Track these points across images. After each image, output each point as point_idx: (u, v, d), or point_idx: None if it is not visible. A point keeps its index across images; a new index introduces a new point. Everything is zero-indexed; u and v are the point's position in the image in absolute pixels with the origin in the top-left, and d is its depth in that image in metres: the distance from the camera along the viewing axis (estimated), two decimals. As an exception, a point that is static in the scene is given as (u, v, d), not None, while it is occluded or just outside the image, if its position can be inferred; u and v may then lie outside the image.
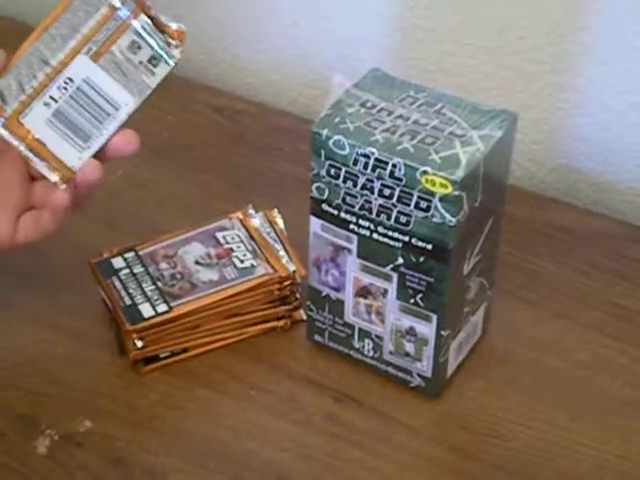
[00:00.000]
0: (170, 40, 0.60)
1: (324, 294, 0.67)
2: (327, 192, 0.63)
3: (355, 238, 0.64)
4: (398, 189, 0.60)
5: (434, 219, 0.60)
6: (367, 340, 0.67)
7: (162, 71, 0.60)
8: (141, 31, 0.59)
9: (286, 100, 0.92)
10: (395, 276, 0.63)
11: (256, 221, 0.72)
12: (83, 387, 0.67)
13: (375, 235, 0.63)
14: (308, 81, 0.90)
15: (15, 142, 0.59)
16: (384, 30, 0.87)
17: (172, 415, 0.65)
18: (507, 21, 0.82)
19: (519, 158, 0.63)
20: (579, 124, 0.83)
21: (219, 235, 0.71)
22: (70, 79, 0.59)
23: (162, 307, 0.67)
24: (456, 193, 0.59)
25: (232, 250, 0.70)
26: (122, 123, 0.59)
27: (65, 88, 0.59)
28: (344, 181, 0.62)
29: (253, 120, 0.87)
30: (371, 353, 0.67)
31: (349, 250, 0.64)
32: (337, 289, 0.66)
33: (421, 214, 0.60)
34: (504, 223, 0.66)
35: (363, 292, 0.65)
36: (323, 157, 0.62)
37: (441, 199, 0.59)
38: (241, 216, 0.72)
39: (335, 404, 0.66)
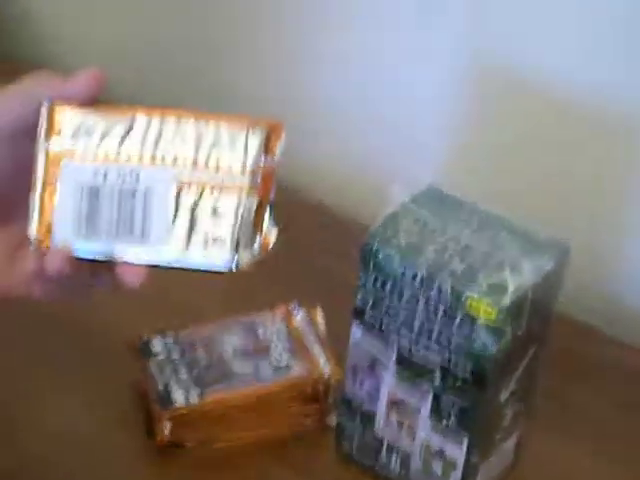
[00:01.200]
0: (254, 242, 0.53)
1: (357, 403, 0.66)
2: (371, 302, 0.63)
3: (394, 351, 0.63)
4: (442, 309, 0.60)
5: (475, 344, 0.59)
6: (395, 455, 0.66)
7: (213, 260, 0.52)
8: (240, 209, 0.53)
9: (341, 199, 0.93)
10: (430, 395, 0.62)
11: (298, 319, 0.72)
12: (110, 467, 0.66)
13: (414, 351, 0.62)
14: (366, 184, 0.91)
15: (40, 162, 0.53)
16: (446, 143, 0.88)
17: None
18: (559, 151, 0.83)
19: (566, 284, 0.62)
20: (629, 256, 0.83)
21: (259, 329, 0.71)
22: (137, 176, 0.53)
23: (194, 396, 0.67)
24: (500, 321, 0.58)
25: (270, 347, 0.70)
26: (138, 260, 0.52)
27: (124, 179, 0.53)
28: (389, 294, 0.62)
29: (307, 217, 0.88)
30: (397, 469, 0.66)
31: (387, 362, 0.63)
32: (370, 400, 0.65)
33: (462, 338, 0.59)
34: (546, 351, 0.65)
35: (396, 406, 0.64)
36: (371, 268, 0.62)
37: (484, 326, 0.58)
38: (284, 312, 0.72)
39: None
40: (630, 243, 0.83)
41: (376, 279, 0.62)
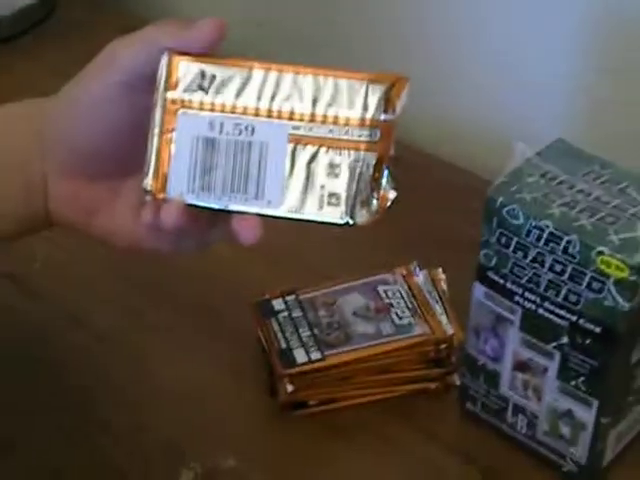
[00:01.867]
0: (371, 199, 0.52)
1: (480, 363, 0.65)
2: (495, 260, 0.61)
3: (519, 310, 0.61)
4: (570, 266, 0.58)
5: (606, 302, 0.57)
6: (521, 416, 0.64)
7: (329, 216, 0.52)
8: (358, 166, 0.52)
9: (463, 157, 0.90)
10: (557, 355, 0.61)
11: (419, 279, 0.71)
12: (232, 423, 0.67)
13: (541, 310, 0.60)
14: (488, 142, 0.88)
15: (157, 112, 0.52)
16: (573, 99, 0.85)
17: (311, 464, 0.65)
18: None
19: None
20: None
21: (380, 289, 0.70)
22: (253, 129, 0.52)
23: (316, 355, 0.66)
24: (632, 278, 0.56)
25: (392, 305, 0.69)
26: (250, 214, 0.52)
27: (240, 131, 0.52)
28: (514, 251, 0.60)
29: (426, 173, 0.86)
30: (524, 430, 0.64)
31: (511, 322, 0.62)
32: (495, 359, 0.64)
33: (592, 295, 0.58)
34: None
35: (522, 366, 0.63)
36: (495, 224, 0.60)
37: (616, 282, 0.56)
38: (404, 272, 0.71)
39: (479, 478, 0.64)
40: None
41: (500, 236, 0.60)
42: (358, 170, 0.52)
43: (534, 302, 0.61)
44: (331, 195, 0.52)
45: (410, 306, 0.69)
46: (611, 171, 0.61)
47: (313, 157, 0.52)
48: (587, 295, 0.58)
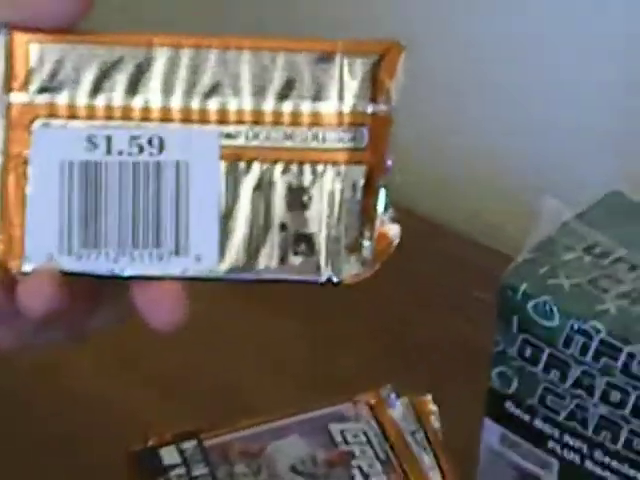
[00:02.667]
0: (362, 240, 0.45)
1: None
2: (516, 384, 0.59)
3: (556, 464, 0.59)
4: (635, 394, 0.55)
5: None
6: None
7: (297, 272, 0.46)
8: (337, 188, 0.46)
9: (466, 220, 0.90)
10: None
11: (396, 412, 0.65)
12: None
13: (589, 463, 0.57)
14: (505, 199, 0.87)
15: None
16: (628, 139, 0.84)
17: None
18: None
19: None
20: None
21: (334, 428, 0.64)
22: (161, 143, 0.45)
23: None
24: None
25: (353, 456, 0.63)
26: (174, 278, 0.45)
27: (140, 148, 0.45)
28: (546, 370, 0.57)
29: (416, 239, 0.82)
30: None
31: None
32: (516, 542, 0.61)
33: None
34: None
35: None
36: (516, 327, 0.58)
37: None
38: (372, 400, 0.65)
39: None
40: None
41: (525, 346, 0.58)
42: (338, 195, 0.45)
43: (578, 451, 0.58)
44: (299, 238, 0.45)
45: (382, 456, 0.63)
46: None
47: (263, 180, 0.45)
48: None
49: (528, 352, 0.58)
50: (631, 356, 0.55)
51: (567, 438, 0.58)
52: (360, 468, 0.62)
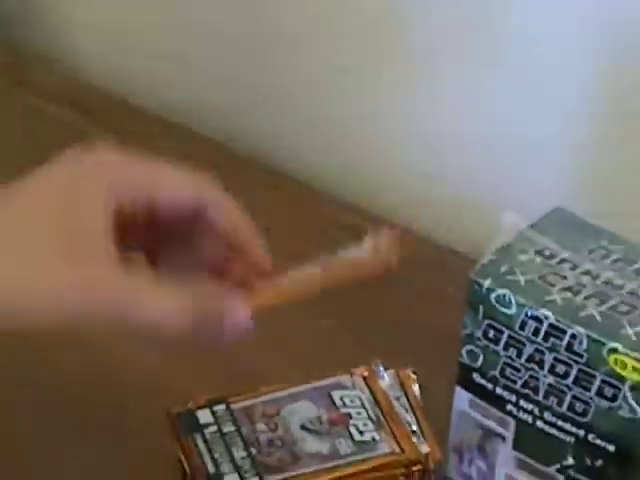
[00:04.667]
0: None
1: (465, 490, 0.67)
2: (482, 359, 0.63)
3: (513, 423, 0.63)
4: (576, 367, 0.59)
5: (621, 412, 0.58)
6: None
7: None
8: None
9: (439, 228, 0.93)
10: (561, 479, 0.62)
11: (385, 382, 0.71)
12: None
13: (539, 423, 0.62)
14: (471, 211, 0.91)
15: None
16: (572, 161, 0.88)
17: None
18: None
19: None
20: None
21: (335, 395, 0.70)
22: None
23: None
24: None
25: (350, 416, 0.68)
26: None
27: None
28: (505, 348, 0.62)
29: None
30: None
31: (503, 438, 0.64)
32: (483, 488, 0.66)
33: (604, 403, 0.59)
34: None
35: (519, 497, 0.65)
36: (481, 314, 0.62)
37: (633, 387, 0.58)
38: (365, 373, 0.71)
39: None
40: None
41: (488, 329, 0.62)
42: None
43: (531, 412, 0.62)
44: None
45: (374, 417, 0.69)
46: (623, 247, 0.64)
47: None
48: (597, 403, 0.59)
49: (491, 334, 0.62)
50: (573, 337, 0.58)
51: (522, 402, 0.62)
52: (356, 426, 0.68)
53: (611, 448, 0.60)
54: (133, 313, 0.55)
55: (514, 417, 0.63)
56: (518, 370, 0.62)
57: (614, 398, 0.58)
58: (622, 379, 0.58)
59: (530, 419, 0.62)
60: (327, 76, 1.00)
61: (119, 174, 0.57)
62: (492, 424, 0.64)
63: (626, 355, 0.57)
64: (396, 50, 0.96)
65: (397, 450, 0.67)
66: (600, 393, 0.59)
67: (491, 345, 0.62)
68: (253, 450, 0.67)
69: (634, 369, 0.57)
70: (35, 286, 0.55)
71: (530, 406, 0.62)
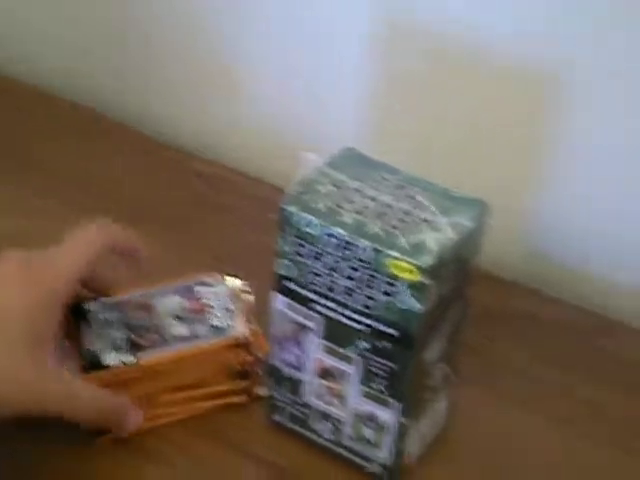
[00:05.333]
0: None
1: (284, 373, 0.75)
2: (293, 270, 0.71)
3: (319, 318, 0.71)
4: (365, 272, 0.68)
5: (399, 305, 0.67)
6: (326, 422, 0.75)
7: None
8: None
9: (260, 168, 1.03)
10: (358, 360, 0.71)
11: (232, 285, 0.82)
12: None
13: (339, 317, 0.70)
14: (282, 152, 0.98)
15: None
16: (359, 107, 0.97)
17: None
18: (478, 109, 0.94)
19: (485, 242, 0.72)
20: (547, 210, 0.95)
21: (197, 289, 0.81)
22: None
23: (128, 358, 0.75)
24: (423, 280, 0.66)
25: (208, 306, 0.79)
26: None
27: None
28: (311, 260, 0.70)
29: (231, 187, 0.99)
30: (330, 436, 0.76)
31: (312, 330, 0.72)
32: (298, 368, 0.74)
33: (386, 299, 0.68)
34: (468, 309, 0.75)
35: (324, 373, 0.73)
36: (290, 234, 0.70)
37: (407, 285, 0.66)
38: (220, 277, 0.82)
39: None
40: (547, 197, 0.94)
41: (297, 246, 0.70)
42: None
43: (332, 309, 0.70)
44: None
45: (228, 307, 0.79)
46: (398, 177, 0.72)
47: None
48: (382, 299, 0.68)
49: (299, 249, 0.69)
50: (361, 248, 0.67)
51: (325, 302, 0.70)
52: (215, 314, 0.79)
53: (393, 332, 0.68)
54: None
55: (320, 314, 0.71)
56: (321, 277, 0.69)
57: (394, 294, 0.67)
58: (399, 280, 0.66)
59: (332, 314, 0.70)
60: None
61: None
62: (303, 320, 0.72)
63: (401, 260, 0.66)
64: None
65: (246, 334, 0.77)
66: (383, 291, 0.67)
67: (299, 258, 0.70)
68: (130, 334, 0.77)
69: (408, 271, 0.65)
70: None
71: (331, 304, 0.70)
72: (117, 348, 0.76)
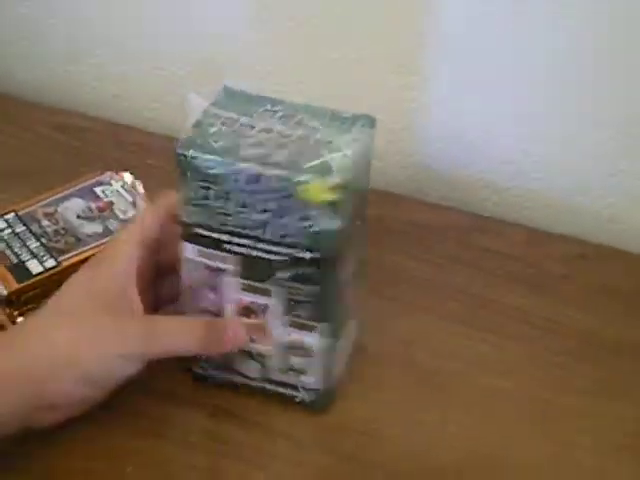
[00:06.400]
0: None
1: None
2: (201, 215, 0.69)
3: (234, 258, 0.70)
4: (276, 203, 0.67)
5: (316, 227, 0.67)
6: (251, 361, 0.74)
7: None
8: None
9: (131, 115, 1.02)
10: (278, 291, 0.70)
11: (131, 180, 0.87)
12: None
13: (256, 252, 0.69)
14: (156, 95, 0.99)
15: None
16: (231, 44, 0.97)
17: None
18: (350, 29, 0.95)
19: (372, 157, 0.73)
20: (426, 123, 0.97)
21: (98, 189, 0.85)
22: None
23: (50, 262, 0.79)
24: (336, 198, 0.66)
25: (113, 203, 0.84)
26: None
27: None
28: (216, 201, 0.68)
29: (99, 137, 0.99)
30: (257, 374, 0.75)
31: (227, 271, 0.71)
32: (216, 314, 0.73)
33: (302, 224, 0.67)
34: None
35: (245, 312, 0.72)
36: (191, 179, 0.68)
37: (319, 207, 0.66)
38: (117, 175, 0.87)
39: (216, 422, 0.74)
40: (433, 107, 0.96)
41: (199, 189, 0.68)
42: None
43: (248, 246, 0.69)
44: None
45: (131, 200, 0.84)
46: (282, 107, 0.71)
47: None
48: (298, 225, 0.67)
49: (202, 193, 0.68)
50: (267, 179, 0.65)
51: (238, 240, 0.69)
52: (119, 209, 0.84)
53: (310, 256, 0.68)
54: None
55: (235, 253, 0.69)
56: (230, 216, 0.68)
57: (307, 219, 0.66)
58: (310, 203, 0.66)
59: (248, 251, 0.69)
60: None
61: None
62: (218, 264, 0.70)
63: (309, 184, 0.65)
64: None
65: None
66: (299, 217, 0.66)
67: (204, 201, 0.68)
68: (44, 240, 0.80)
69: (317, 193, 0.65)
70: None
71: (247, 241, 0.69)
72: (37, 256, 0.78)
